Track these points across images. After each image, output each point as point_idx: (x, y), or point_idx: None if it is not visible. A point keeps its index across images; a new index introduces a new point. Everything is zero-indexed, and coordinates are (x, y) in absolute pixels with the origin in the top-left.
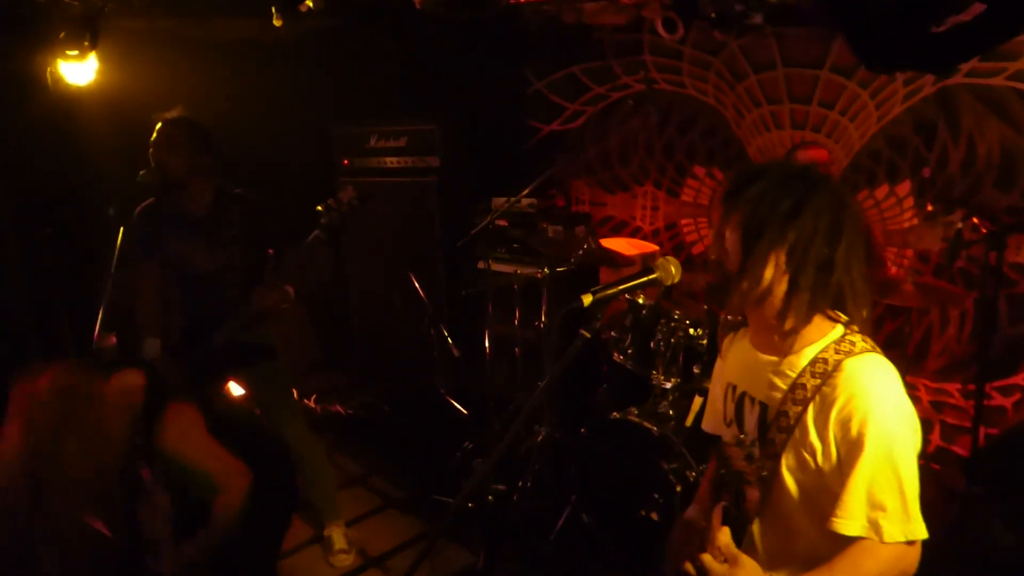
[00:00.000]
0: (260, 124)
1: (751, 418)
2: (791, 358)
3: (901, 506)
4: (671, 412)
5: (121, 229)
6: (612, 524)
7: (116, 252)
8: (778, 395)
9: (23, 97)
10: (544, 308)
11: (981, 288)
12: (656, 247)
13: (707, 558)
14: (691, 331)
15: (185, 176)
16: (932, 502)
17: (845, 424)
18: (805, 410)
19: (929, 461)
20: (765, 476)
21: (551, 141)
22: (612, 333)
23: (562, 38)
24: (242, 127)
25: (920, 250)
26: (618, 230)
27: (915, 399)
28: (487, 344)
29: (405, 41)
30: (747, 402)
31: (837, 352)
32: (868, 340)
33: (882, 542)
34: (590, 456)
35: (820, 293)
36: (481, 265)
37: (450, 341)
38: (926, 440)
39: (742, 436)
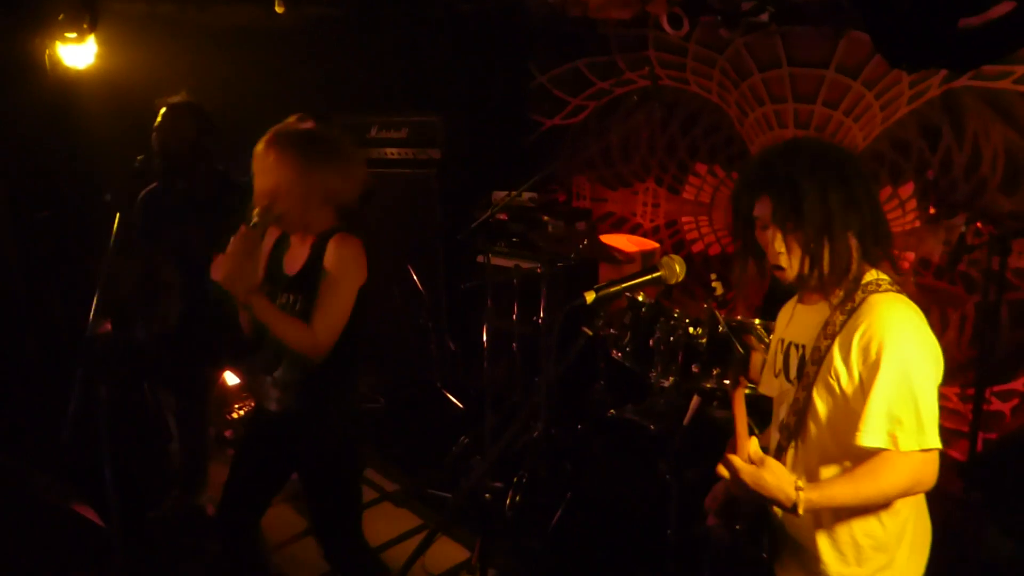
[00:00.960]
0: (259, 111)
1: (794, 361)
2: (832, 300)
3: (916, 419)
4: (668, 411)
5: (118, 214)
6: (607, 521)
7: (112, 237)
8: (814, 333)
9: (21, 79)
10: (543, 303)
11: (982, 292)
12: (656, 244)
13: (736, 459)
14: (691, 330)
15: (188, 160)
16: (929, 507)
17: (866, 348)
18: (832, 342)
19: None
20: (800, 408)
21: (553, 135)
22: (611, 330)
23: (566, 32)
24: (241, 114)
25: (922, 253)
26: (618, 226)
27: None
28: (484, 339)
29: (408, 31)
30: (792, 349)
31: (864, 291)
32: (895, 284)
33: (899, 452)
34: (586, 453)
35: (869, 250)
36: (480, 259)
37: (447, 335)
38: None
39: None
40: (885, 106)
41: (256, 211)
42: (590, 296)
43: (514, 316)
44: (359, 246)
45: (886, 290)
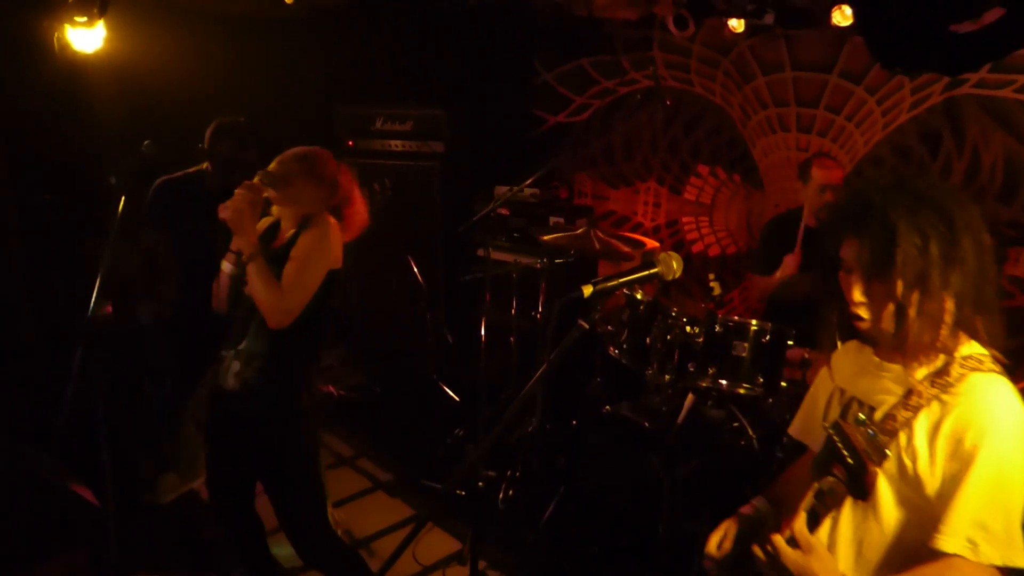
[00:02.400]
0: (265, 100)
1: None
2: (915, 366)
3: (1005, 529)
4: (664, 409)
5: (123, 198)
6: (600, 516)
7: (117, 221)
8: (891, 400)
9: (29, 62)
10: (542, 298)
11: None
12: (657, 243)
13: (779, 540)
14: (687, 329)
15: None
16: None
17: (959, 435)
18: (915, 416)
19: None
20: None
21: (557, 132)
22: (608, 327)
23: (572, 30)
24: (247, 102)
25: None
26: (619, 225)
27: None
28: (482, 332)
29: (415, 25)
30: (855, 405)
31: (963, 366)
32: (999, 363)
33: (976, 561)
34: (581, 448)
35: (967, 315)
36: (481, 253)
37: (445, 327)
38: None
39: (862, 416)
40: (887, 112)
41: (259, 175)
42: (587, 290)
43: (513, 310)
44: (332, 228)
45: (989, 370)
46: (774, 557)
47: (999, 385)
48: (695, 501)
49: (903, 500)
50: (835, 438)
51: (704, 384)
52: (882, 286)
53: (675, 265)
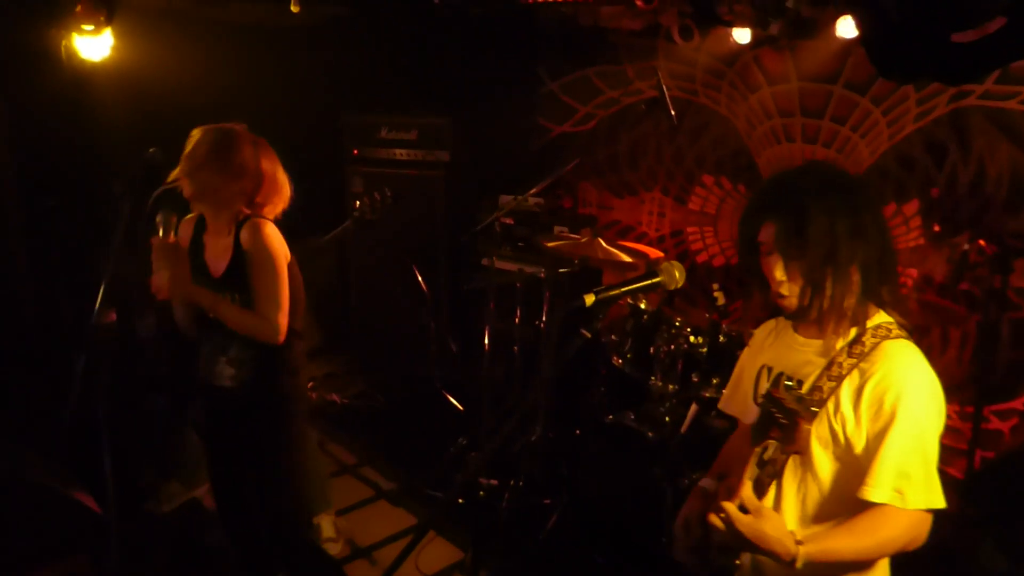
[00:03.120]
0: (271, 108)
1: None
2: (832, 339)
3: (925, 476)
4: (667, 419)
5: (128, 205)
6: (602, 526)
7: (121, 228)
8: (816, 371)
9: (37, 69)
10: (545, 308)
11: (984, 311)
12: (661, 253)
13: (732, 507)
14: (692, 339)
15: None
16: None
17: (879, 397)
18: (839, 385)
19: None
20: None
21: (561, 142)
22: (612, 337)
23: (577, 40)
24: (252, 110)
25: (925, 270)
26: (623, 234)
27: None
28: (486, 341)
29: (420, 33)
30: (783, 380)
31: (874, 335)
32: (904, 329)
33: (904, 508)
34: (583, 457)
35: (872, 287)
36: (485, 261)
37: (448, 336)
38: None
39: (790, 383)
40: (892, 123)
41: (158, 218)
42: (590, 299)
43: (516, 319)
44: (269, 224)
45: (898, 336)
46: (729, 524)
47: (908, 349)
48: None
49: (837, 461)
50: (769, 406)
51: (708, 394)
52: (798, 264)
53: (677, 275)
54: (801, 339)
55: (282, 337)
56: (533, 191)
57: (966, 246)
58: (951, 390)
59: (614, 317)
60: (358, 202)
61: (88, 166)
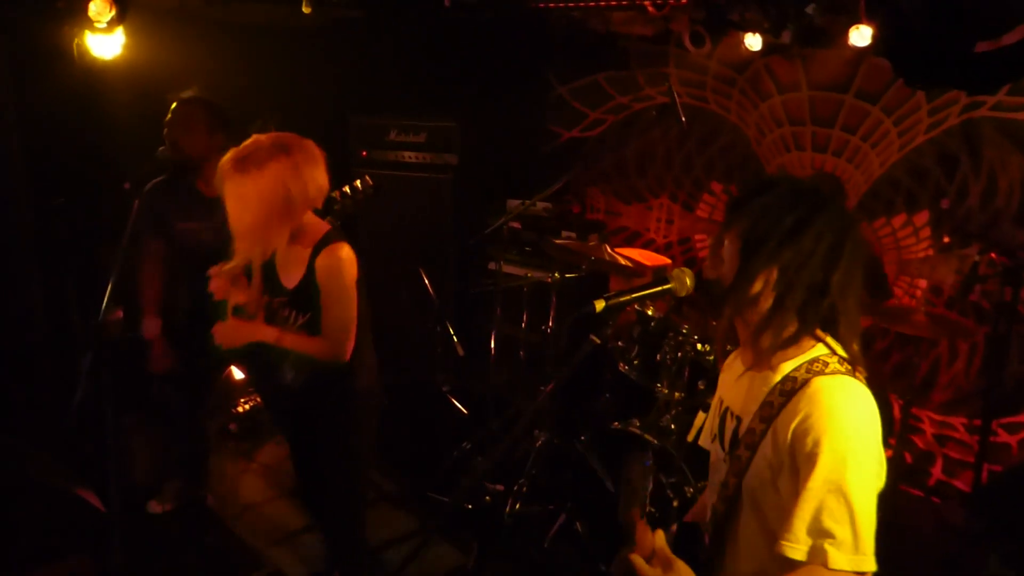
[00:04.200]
0: (280, 109)
1: (729, 432)
2: (768, 374)
3: (851, 535)
4: (673, 426)
5: (135, 203)
6: (606, 535)
7: (128, 226)
8: (753, 410)
9: (49, 67)
10: (552, 313)
11: (993, 323)
12: (668, 260)
13: (638, 560)
14: (699, 346)
15: (201, 156)
16: (931, 536)
17: (801, 440)
18: (769, 427)
19: (930, 495)
20: (730, 495)
21: (570, 147)
22: (619, 343)
23: (588, 45)
24: (262, 111)
25: (934, 281)
26: (631, 241)
27: (919, 431)
28: (492, 345)
29: (431, 37)
30: (728, 416)
31: (808, 371)
32: (846, 364)
33: (827, 568)
34: (588, 464)
35: (809, 315)
36: (492, 266)
37: (455, 339)
38: (927, 473)
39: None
40: (903, 133)
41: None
42: (599, 304)
43: (523, 324)
44: (345, 250)
45: (833, 371)
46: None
47: (841, 386)
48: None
49: (766, 512)
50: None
51: None
52: (731, 247)
53: (688, 282)
54: (745, 372)
55: (345, 357)
56: (541, 196)
57: (976, 258)
58: (959, 402)
59: (621, 323)
60: (338, 193)
61: (98, 165)
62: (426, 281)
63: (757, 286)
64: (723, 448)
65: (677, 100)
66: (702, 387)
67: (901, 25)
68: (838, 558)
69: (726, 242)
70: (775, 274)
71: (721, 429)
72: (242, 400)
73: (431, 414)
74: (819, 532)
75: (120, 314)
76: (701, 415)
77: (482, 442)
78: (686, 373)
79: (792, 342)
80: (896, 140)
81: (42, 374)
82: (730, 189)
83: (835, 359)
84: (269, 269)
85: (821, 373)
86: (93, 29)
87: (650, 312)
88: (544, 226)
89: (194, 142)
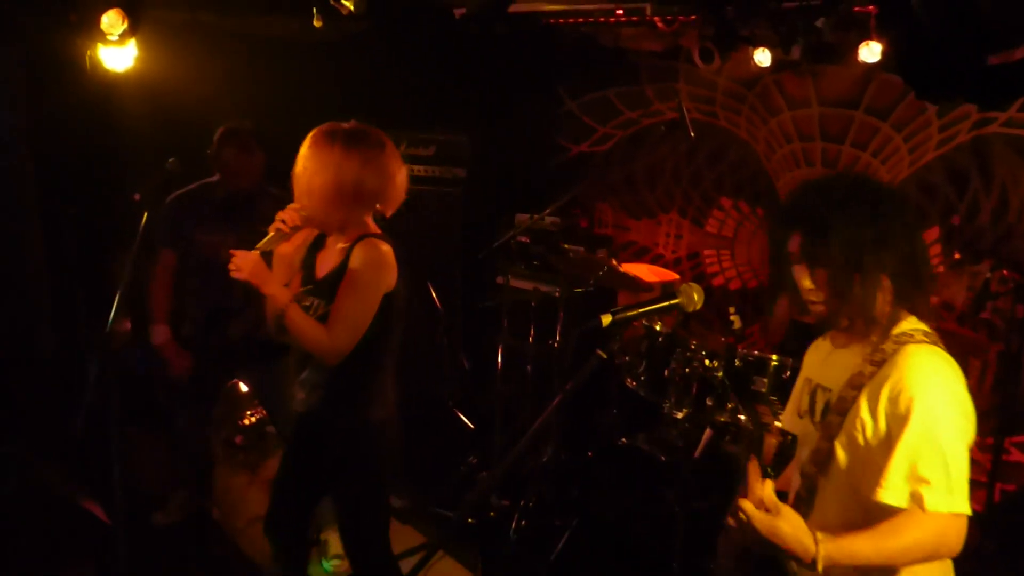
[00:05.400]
0: (290, 121)
1: (820, 404)
2: (856, 348)
3: (945, 479)
4: (680, 443)
5: (145, 214)
6: (613, 549)
7: (139, 237)
8: (843, 380)
9: (61, 79)
10: (559, 327)
11: (1005, 340)
12: (677, 275)
13: (748, 505)
14: (707, 362)
15: (252, 183)
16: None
17: (894, 400)
18: (860, 393)
19: None
20: (821, 458)
21: (579, 162)
22: (626, 358)
23: (598, 60)
24: (273, 123)
25: (945, 298)
26: (640, 256)
27: None
28: (499, 359)
29: (441, 51)
30: (819, 392)
31: (896, 342)
32: (931, 334)
33: (924, 511)
34: (595, 479)
35: (901, 298)
36: (499, 279)
37: (461, 353)
38: None
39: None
40: (913, 149)
41: (272, 226)
42: (606, 319)
43: (530, 338)
44: (386, 251)
45: (920, 341)
46: (745, 522)
47: (929, 353)
48: (710, 537)
49: (859, 469)
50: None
51: (722, 419)
52: (824, 272)
53: (696, 297)
54: (835, 349)
55: (336, 357)
56: (549, 210)
57: (988, 275)
58: None
59: (628, 338)
60: None
61: (109, 174)
62: (433, 294)
63: (878, 298)
64: (813, 420)
65: (686, 115)
66: (710, 403)
67: (915, 38)
68: (935, 501)
69: (816, 271)
70: (886, 280)
71: (811, 404)
72: (248, 412)
73: (437, 428)
74: (916, 479)
75: (128, 325)
76: (708, 431)
77: (488, 456)
78: (694, 389)
79: (883, 321)
80: (906, 156)
81: (49, 383)
82: (739, 204)
83: (919, 332)
84: (309, 258)
85: (909, 342)
86: (105, 41)
87: (658, 327)
88: (552, 240)
89: (251, 170)
